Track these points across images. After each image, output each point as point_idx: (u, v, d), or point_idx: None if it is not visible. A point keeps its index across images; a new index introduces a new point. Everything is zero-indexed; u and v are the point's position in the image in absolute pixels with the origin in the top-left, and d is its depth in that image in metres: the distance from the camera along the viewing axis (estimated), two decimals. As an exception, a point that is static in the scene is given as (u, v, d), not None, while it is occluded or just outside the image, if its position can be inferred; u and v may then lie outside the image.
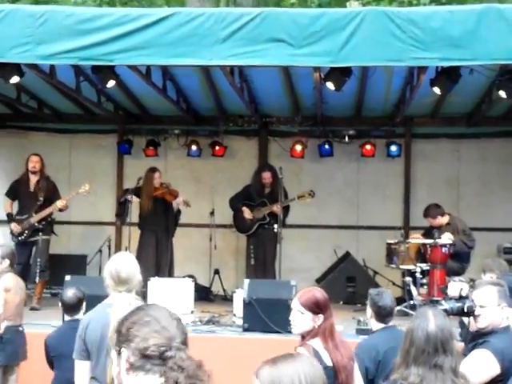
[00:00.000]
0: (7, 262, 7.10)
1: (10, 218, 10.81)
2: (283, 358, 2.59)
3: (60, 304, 6.60)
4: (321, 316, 4.53)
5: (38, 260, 10.40)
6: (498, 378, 4.49)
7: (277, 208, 11.03)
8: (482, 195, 12.63)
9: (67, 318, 6.41)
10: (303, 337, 4.64)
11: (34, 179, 10.84)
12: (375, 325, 5.62)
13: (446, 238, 10.12)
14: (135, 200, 11.24)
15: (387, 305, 5.55)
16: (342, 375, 4.43)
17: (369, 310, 5.62)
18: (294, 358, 2.61)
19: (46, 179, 10.89)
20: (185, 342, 2.44)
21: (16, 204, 11.06)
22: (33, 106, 11.80)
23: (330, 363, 4.41)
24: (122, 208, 11.39)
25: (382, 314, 5.56)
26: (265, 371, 2.54)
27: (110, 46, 7.55)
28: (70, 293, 6.36)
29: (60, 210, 10.83)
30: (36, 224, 10.55)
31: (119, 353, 2.45)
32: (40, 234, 10.49)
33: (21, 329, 7.28)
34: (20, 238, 10.58)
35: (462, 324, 5.26)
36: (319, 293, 4.65)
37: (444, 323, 3.71)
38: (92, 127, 13.08)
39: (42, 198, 10.68)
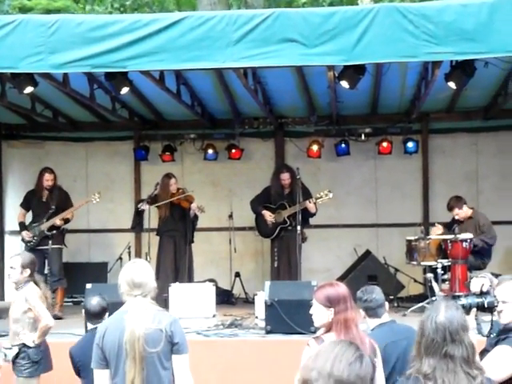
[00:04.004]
0: (28, 271, 7.06)
1: (22, 227, 10.96)
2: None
3: (83, 312, 6.62)
4: (332, 310, 4.52)
5: (50, 268, 10.52)
6: None
7: (310, 204, 10.86)
8: (502, 189, 12.49)
9: (90, 326, 6.40)
10: None
11: (46, 189, 11.04)
12: (371, 323, 5.55)
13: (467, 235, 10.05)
14: (154, 208, 11.25)
15: (372, 297, 5.51)
16: None
17: (361, 312, 5.51)
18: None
19: (58, 189, 11.03)
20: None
21: (30, 214, 11.18)
22: (48, 115, 11.80)
23: None
24: (136, 220, 11.45)
25: (372, 308, 5.50)
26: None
27: (123, 52, 7.53)
28: (93, 301, 6.37)
29: (67, 221, 10.90)
30: (46, 231, 10.63)
31: None
32: (50, 242, 10.57)
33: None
34: (29, 244, 10.67)
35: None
36: (332, 287, 4.62)
37: (454, 315, 3.64)
38: (108, 134, 13.09)
39: (53, 207, 10.79)
